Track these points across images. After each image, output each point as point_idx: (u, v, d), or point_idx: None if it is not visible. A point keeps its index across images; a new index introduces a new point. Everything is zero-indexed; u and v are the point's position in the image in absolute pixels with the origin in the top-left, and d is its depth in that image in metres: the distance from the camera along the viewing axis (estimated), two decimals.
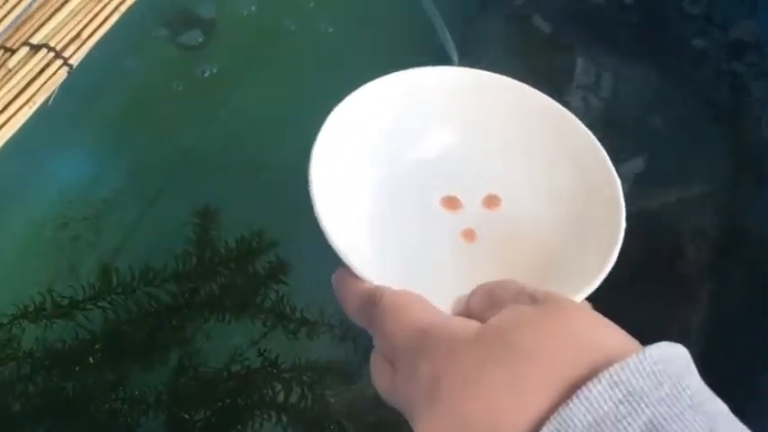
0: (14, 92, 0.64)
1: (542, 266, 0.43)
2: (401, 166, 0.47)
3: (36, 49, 0.67)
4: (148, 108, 0.73)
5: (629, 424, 0.26)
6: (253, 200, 0.67)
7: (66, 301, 0.58)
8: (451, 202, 0.46)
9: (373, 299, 0.36)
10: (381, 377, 0.35)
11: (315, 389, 0.58)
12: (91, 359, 0.57)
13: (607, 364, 0.27)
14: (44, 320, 0.58)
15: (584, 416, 0.26)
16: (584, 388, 0.27)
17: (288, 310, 0.61)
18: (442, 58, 0.69)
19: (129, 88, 0.73)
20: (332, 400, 0.58)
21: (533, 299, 0.33)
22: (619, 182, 0.43)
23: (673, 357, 0.28)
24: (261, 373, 0.58)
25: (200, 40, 0.76)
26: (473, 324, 0.32)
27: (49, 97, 0.65)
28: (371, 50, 0.76)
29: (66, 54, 0.67)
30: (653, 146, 0.73)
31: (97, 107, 0.71)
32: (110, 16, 0.69)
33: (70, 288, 0.59)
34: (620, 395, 0.26)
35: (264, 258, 0.63)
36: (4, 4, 0.68)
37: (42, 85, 0.65)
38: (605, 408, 0.26)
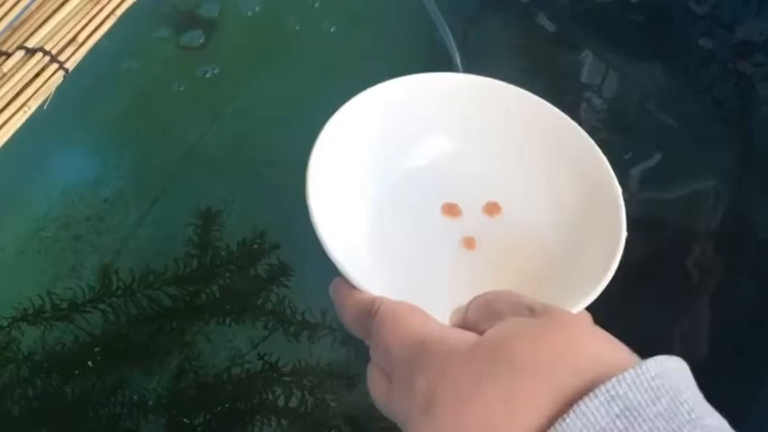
0: (9, 96, 0.64)
1: (543, 274, 0.43)
2: (400, 173, 0.47)
3: (32, 52, 0.66)
4: (150, 109, 0.73)
5: None
6: (254, 202, 0.67)
7: (65, 304, 0.59)
8: (451, 210, 0.46)
9: (371, 310, 0.36)
10: (377, 388, 0.35)
11: (315, 393, 0.58)
12: (90, 362, 0.57)
13: (604, 378, 0.27)
14: (44, 323, 0.58)
15: (581, 431, 0.26)
16: (580, 402, 0.26)
17: (289, 313, 0.61)
18: (444, 58, 0.69)
19: (131, 89, 0.73)
20: (332, 404, 0.58)
21: (531, 311, 0.32)
22: (620, 190, 0.43)
23: (671, 371, 0.27)
24: (261, 376, 0.58)
25: (202, 40, 0.76)
26: (470, 336, 0.31)
27: (45, 101, 0.64)
28: (375, 51, 0.76)
29: (62, 58, 0.66)
30: (659, 146, 0.73)
31: (99, 108, 0.72)
32: (106, 20, 0.69)
33: (71, 290, 0.59)
34: (617, 410, 0.26)
35: (266, 261, 0.63)
36: (0, 6, 0.68)
37: (38, 90, 0.64)
38: (602, 423, 0.26)
